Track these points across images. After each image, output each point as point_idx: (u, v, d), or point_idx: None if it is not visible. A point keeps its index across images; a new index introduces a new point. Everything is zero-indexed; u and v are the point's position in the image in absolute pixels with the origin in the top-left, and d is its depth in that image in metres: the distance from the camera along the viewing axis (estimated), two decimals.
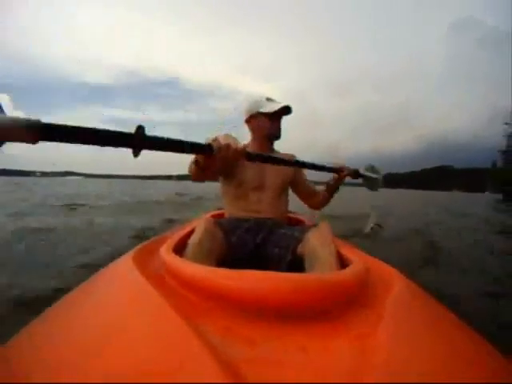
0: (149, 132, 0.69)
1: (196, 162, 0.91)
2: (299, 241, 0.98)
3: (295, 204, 1.59)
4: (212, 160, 0.83)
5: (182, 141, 0.75)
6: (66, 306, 0.66)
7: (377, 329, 0.47)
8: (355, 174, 1.46)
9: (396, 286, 0.69)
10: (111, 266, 0.87)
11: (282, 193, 1.31)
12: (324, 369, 0.39)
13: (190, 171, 1.02)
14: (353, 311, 0.55)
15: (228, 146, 0.81)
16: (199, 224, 0.98)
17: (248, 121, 1.31)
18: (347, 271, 0.63)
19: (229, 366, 0.35)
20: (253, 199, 1.24)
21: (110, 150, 0.77)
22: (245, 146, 0.86)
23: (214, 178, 1.21)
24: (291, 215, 1.62)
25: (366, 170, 1.55)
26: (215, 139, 0.82)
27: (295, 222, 1.54)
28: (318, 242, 0.91)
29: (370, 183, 1.54)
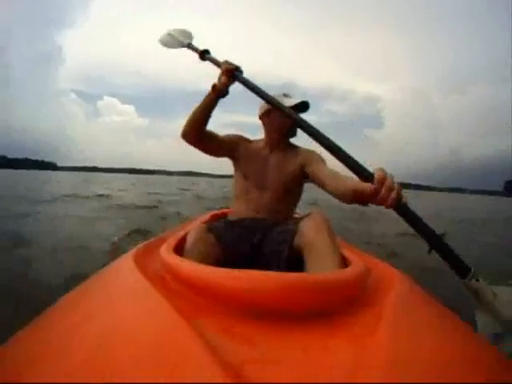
0: None
1: (213, 87, 1.09)
2: (294, 233, 0.96)
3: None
4: (221, 74, 1.10)
5: (211, 56, 1.26)
6: (66, 306, 0.66)
7: (377, 329, 0.47)
8: (427, 231, 0.73)
9: (396, 286, 0.69)
10: (112, 265, 0.87)
11: (285, 194, 1.20)
12: (324, 369, 0.39)
13: (190, 116, 1.09)
14: (353, 311, 0.55)
15: (229, 62, 1.11)
16: (191, 232, 0.98)
17: (264, 116, 1.26)
18: (348, 271, 0.63)
19: (229, 365, 0.35)
20: (253, 198, 1.20)
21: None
22: (238, 67, 1.11)
23: (208, 147, 1.18)
24: (295, 215, 1.50)
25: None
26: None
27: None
28: (313, 232, 0.88)
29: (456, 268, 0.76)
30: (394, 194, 0.70)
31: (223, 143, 1.20)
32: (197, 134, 1.10)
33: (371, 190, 0.71)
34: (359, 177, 0.79)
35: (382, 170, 0.73)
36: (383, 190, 0.70)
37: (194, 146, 1.14)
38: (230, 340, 0.44)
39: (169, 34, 1.53)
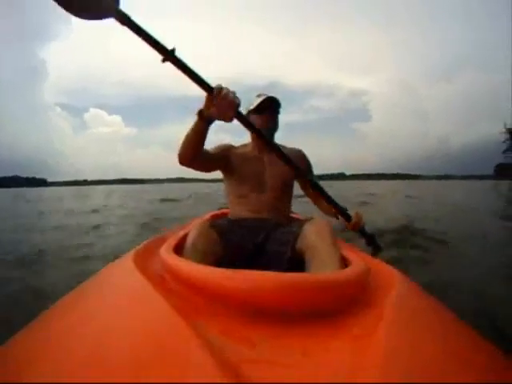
0: None
1: (200, 113, 0.92)
2: (297, 235, 0.98)
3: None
4: (211, 101, 0.87)
5: (195, 73, 0.89)
6: (66, 306, 0.66)
7: (377, 329, 0.47)
8: (369, 238, 1.25)
9: (396, 286, 0.69)
10: (111, 265, 0.88)
11: (283, 194, 1.25)
12: (324, 369, 0.39)
13: (183, 142, 1.00)
14: (353, 311, 0.55)
15: (227, 93, 0.86)
16: (193, 227, 0.98)
17: None
18: (348, 271, 0.63)
19: (229, 366, 0.35)
20: (253, 200, 1.20)
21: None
22: (238, 103, 0.90)
23: (203, 167, 1.15)
24: (294, 215, 1.57)
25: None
26: (220, 88, 0.87)
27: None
28: (315, 236, 0.90)
29: (375, 248, 1.39)
30: (360, 228, 1.16)
31: (216, 158, 1.19)
32: (193, 159, 1.06)
33: (348, 227, 1.15)
34: (340, 210, 1.16)
35: (358, 215, 1.14)
36: (355, 228, 1.14)
37: (191, 168, 1.11)
38: (230, 340, 0.44)
39: None
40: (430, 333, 0.53)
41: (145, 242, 1.04)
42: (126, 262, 0.79)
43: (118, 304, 0.57)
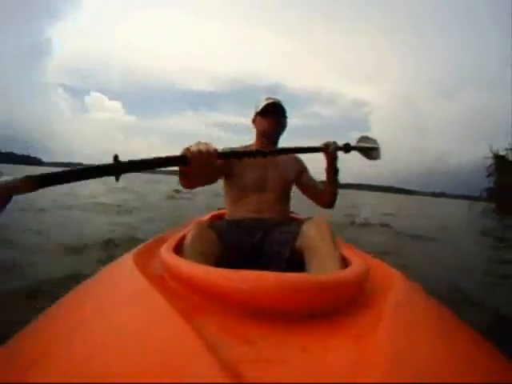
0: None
1: (180, 172, 0.93)
2: (296, 234, 0.98)
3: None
4: (190, 168, 0.85)
5: (157, 158, 0.82)
6: (66, 306, 0.67)
7: (377, 329, 0.47)
8: (346, 147, 1.34)
9: (396, 286, 0.69)
10: (111, 265, 0.88)
11: (283, 195, 1.29)
12: (324, 369, 0.39)
13: (179, 181, 1.03)
14: (353, 311, 0.55)
15: (200, 152, 0.83)
16: (191, 229, 0.98)
17: (253, 120, 1.33)
18: (348, 271, 0.63)
19: (228, 365, 0.35)
20: (253, 200, 1.22)
21: None
22: (215, 150, 0.87)
23: (206, 183, 1.15)
24: (293, 215, 1.59)
25: (359, 141, 1.49)
26: (187, 149, 0.84)
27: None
28: (315, 235, 0.90)
29: (368, 153, 1.48)
30: (333, 147, 1.27)
31: (218, 170, 1.17)
32: (195, 187, 1.10)
33: (326, 152, 1.27)
34: (313, 150, 1.29)
35: (325, 143, 1.28)
36: (331, 147, 1.27)
37: (200, 186, 1.13)
38: (230, 340, 0.44)
39: None
40: (430, 333, 0.53)
41: (145, 242, 1.04)
42: (126, 261, 0.79)
43: (118, 304, 0.57)
